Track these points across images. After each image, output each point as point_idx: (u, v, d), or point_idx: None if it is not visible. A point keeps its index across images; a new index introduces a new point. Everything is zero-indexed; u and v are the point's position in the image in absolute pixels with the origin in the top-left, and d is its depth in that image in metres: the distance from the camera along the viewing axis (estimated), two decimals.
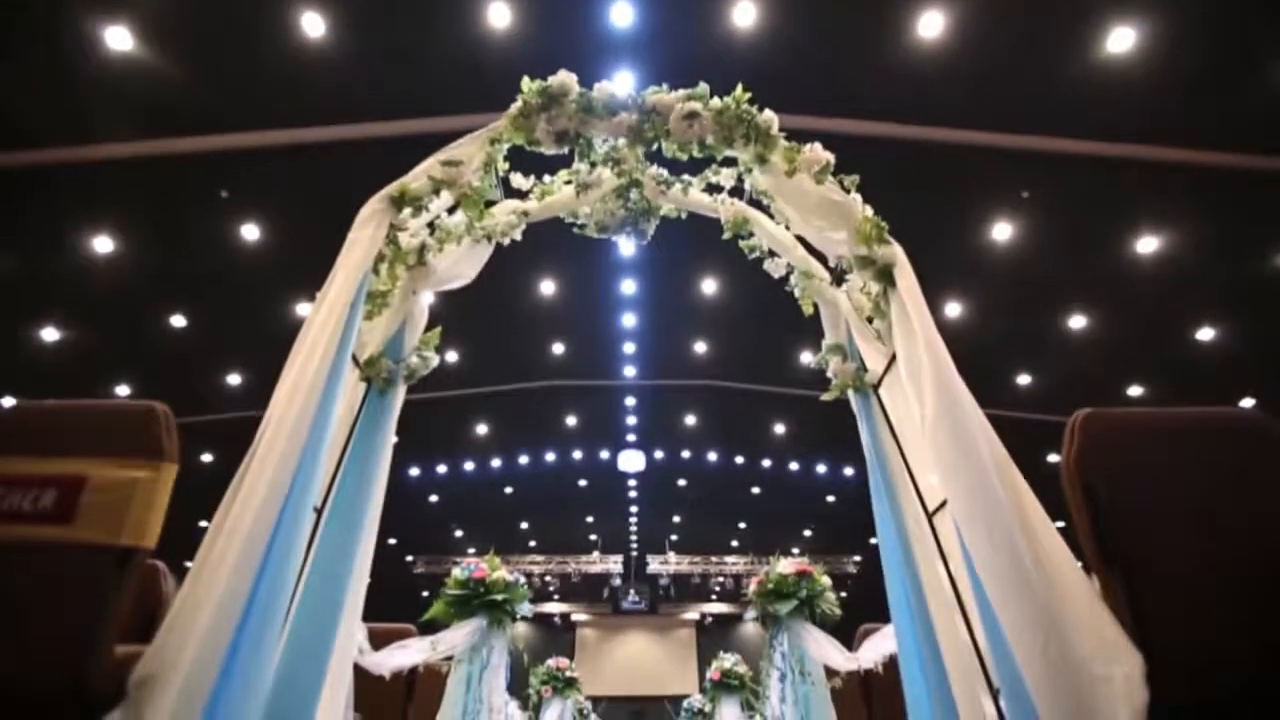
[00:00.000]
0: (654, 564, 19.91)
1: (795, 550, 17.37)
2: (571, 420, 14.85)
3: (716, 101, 2.35)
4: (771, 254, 2.75)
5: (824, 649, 3.61)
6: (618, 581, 20.25)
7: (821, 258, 2.65)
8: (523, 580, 4.09)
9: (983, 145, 7.28)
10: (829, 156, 2.22)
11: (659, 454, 16.27)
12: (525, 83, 2.34)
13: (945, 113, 7.01)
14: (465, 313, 8.88)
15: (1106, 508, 1.39)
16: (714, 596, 20.90)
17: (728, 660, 6.92)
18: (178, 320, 9.68)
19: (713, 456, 16.37)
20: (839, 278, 2.63)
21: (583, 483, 17.41)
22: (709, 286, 10.10)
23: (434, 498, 17.18)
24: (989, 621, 1.58)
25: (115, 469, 1.36)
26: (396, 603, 5.45)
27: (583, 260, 9.55)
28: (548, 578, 19.75)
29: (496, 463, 16.25)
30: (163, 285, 9.02)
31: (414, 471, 15.83)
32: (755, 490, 17.64)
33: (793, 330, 9.86)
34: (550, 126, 2.36)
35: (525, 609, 4.03)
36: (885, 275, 2.07)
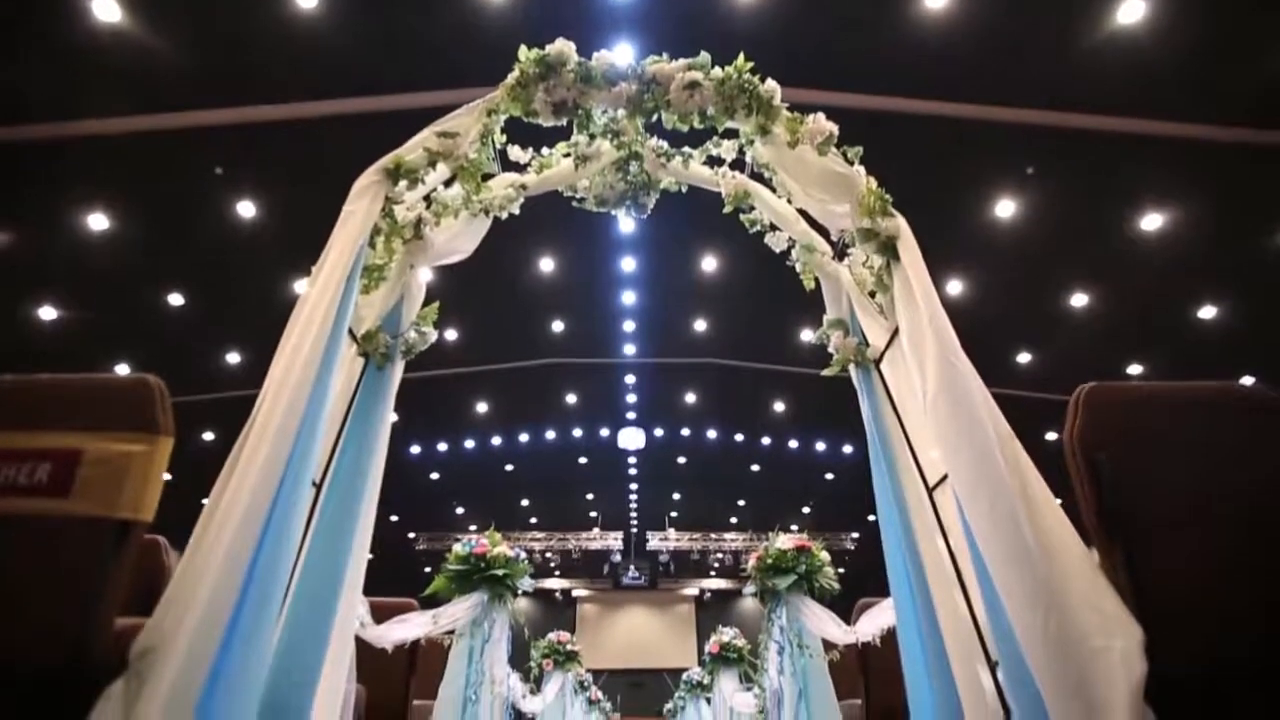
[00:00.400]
0: (654, 540, 20.09)
1: (794, 527, 17.50)
2: (572, 398, 14.89)
3: (718, 71, 2.30)
4: (773, 228, 2.72)
5: (822, 623, 3.64)
6: (618, 558, 20.46)
7: (824, 232, 2.62)
8: (523, 556, 4.12)
9: (987, 120, 7.18)
10: (832, 127, 2.18)
11: (659, 431, 16.33)
12: (523, 51, 2.29)
13: (949, 86, 6.91)
14: (465, 291, 8.84)
15: (1109, 481, 1.38)
16: (713, 572, 21.13)
17: (726, 634, 6.99)
18: (175, 299, 9.64)
19: (712, 434, 16.44)
20: (841, 252, 2.60)
21: (583, 460, 17.50)
22: (709, 264, 10.05)
23: (435, 475, 17.28)
24: (989, 595, 1.59)
25: (110, 442, 1.35)
26: (399, 578, 5.51)
27: (582, 238, 9.50)
28: (548, 554, 19.94)
29: (497, 440, 16.33)
30: (159, 263, 8.97)
31: (415, 449, 15.91)
32: (754, 467, 17.76)
33: (793, 308, 9.88)
34: (548, 97, 2.31)
35: (526, 584, 4.06)
36: (889, 248, 2.04)
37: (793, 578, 3.84)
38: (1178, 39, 6.17)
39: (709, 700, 8.19)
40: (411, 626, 3.44)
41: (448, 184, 2.48)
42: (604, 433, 16.19)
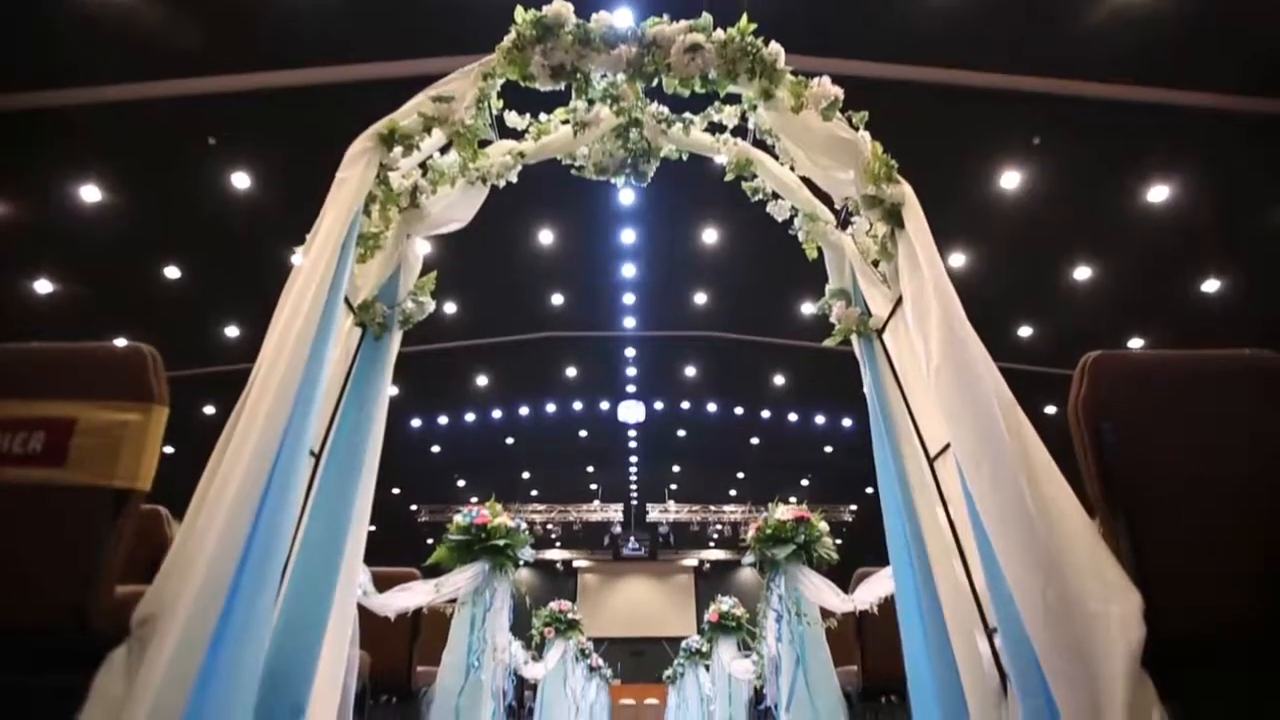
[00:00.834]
0: (654, 512, 20.27)
1: (793, 499, 17.64)
2: (571, 371, 14.88)
3: (720, 34, 2.24)
4: (775, 196, 2.68)
5: (820, 592, 3.67)
6: (618, 529, 20.66)
7: (827, 200, 2.58)
8: (524, 527, 4.14)
9: (993, 88, 7.06)
10: (838, 91, 2.12)
11: (659, 404, 16.36)
12: (519, 12, 2.23)
13: (953, 53, 6.77)
14: (464, 263, 8.78)
15: (1113, 449, 1.37)
16: (712, 544, 21.36)
17: (725, 603, 7.07)
18: (172, 271, 9.58)
19: (712, 407, 16.47)
20: (844, 222, 2.57)
21: (583, 433, 17.56)
22: (709, 237, 9.97)
23: (437, 449, 17.36)
24: (989, 563, 1.59)
25: (105, 411, 1.34)
26: (402, 550, 5.56)
27: (582, 210, 9.40)
28: (549, 526, 20.13)
29: (497, 413, 16.36)
30: (155, 235, 8.89)
31: (416, 423, 15.95)
32: (754, 440, 17.82)
33: (792, 282, 9.82)
34: (545, 60, 2.25)
35: (526, 554, 4.09)
36: (893, 215, 2.00)
37: (791, 547, 3.86)
38: (1186, 7, 6.04)
39: (708, 667, 8.32)
40: (414, 595, 3.48)
41: (444, 151, 2.43)
42: (604, 406, 16.21)
